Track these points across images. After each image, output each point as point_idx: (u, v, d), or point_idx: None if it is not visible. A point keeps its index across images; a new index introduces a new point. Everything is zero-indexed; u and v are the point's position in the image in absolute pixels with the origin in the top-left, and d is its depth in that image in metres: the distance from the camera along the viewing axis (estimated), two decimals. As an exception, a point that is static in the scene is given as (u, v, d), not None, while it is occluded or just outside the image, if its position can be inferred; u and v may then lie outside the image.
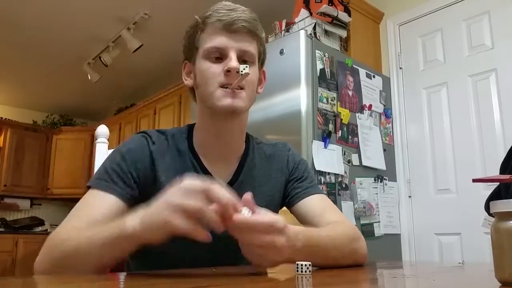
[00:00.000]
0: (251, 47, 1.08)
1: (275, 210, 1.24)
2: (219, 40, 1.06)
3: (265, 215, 0.80)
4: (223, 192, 0.78)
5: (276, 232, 0.78)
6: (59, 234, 0.95)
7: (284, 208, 1.26)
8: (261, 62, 1.19)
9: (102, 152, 1.50)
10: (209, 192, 0.76)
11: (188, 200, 0.75)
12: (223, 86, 1.05)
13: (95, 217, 0.96)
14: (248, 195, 0.81)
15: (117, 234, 0.83)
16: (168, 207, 0.77)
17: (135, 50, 4.41)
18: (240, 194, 1.15)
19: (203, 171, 1.12)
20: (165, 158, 1.11)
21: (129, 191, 1.04)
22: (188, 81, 1.16)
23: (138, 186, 1.07)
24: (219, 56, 1.06)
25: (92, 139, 6.12)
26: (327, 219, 1.10)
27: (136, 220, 0.82)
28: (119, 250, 0.86)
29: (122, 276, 1.06)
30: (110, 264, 0.90)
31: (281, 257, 0.80)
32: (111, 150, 1.14)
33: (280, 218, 0.81)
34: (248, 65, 1.01)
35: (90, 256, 0.86)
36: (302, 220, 1.17)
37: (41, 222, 6.37)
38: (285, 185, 1.23)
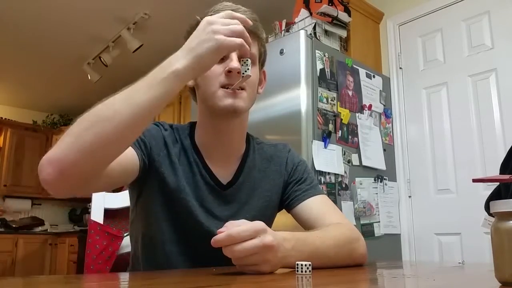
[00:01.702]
0: (252, 48, 1.08)
1: (273, 211, 1.24)
2: None
3: (242, 223, 0.80)
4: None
5: (258, 233, 0.78)
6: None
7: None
8: (262, 62, 1.19)
9: (102, 152, 1.50)
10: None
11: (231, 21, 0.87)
12: (224, 86, 1.05)
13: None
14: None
15: (167, 73, 0.85)
16: (214, 29, 0.85)
17: (135, 50, 4.40)
18: (239, 194, 1.16)
19: (205, 169, 1.13)
20: (174, 148, 1.13)
21: (142, 154, 1.05)
22: (188, 82, 1.17)
23: (149, 157, 1.08)
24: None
25: (92, 139, 6.11)
26: (326, 221, 1.10)
27: (179, 56, 0.87)
28: (168, 91, 0.86)
29: (122, 276, 1.06)
30: (155, 111, 0.87)
31: (275, 260, 0.80)
32: None
33: (258, 222, 0.80)
34: (249, 68, 1.01)
35: (133, 106, 0.83)
36: (302, 222, 1.17)
37: (41, 222, 6.37)
38: (284, 187, 1.23)
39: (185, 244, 1.10)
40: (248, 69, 0.99)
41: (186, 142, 1.15)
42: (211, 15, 1.08)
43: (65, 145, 0.83)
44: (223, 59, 1.07)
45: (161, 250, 1.11)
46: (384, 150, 3.06)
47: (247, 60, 1.00)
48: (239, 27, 0.88)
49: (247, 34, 0.89)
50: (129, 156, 1.00)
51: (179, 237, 1.10)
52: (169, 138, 1.13)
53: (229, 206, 1.14)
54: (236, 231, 0.77)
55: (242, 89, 1.06)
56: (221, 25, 0.86)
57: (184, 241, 1.10)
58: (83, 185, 0.88)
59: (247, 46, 0.89)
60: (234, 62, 1.03)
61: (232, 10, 1.08)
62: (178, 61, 0.86)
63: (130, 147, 1.01)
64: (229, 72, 1.04)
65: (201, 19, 1.10)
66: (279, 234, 0.83)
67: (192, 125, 1.20)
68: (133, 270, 1.20)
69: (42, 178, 0.83)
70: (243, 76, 0.99)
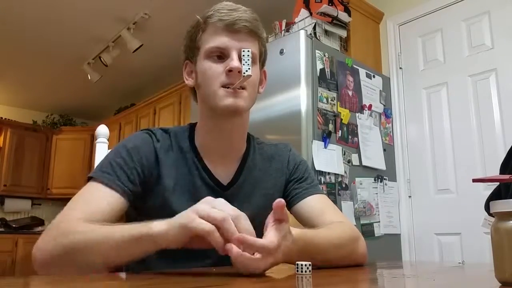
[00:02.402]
0: (253, 47, 1.07)
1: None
2: (221, 40, 1.06)
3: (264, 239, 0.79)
4: (248, 226, 0.81)
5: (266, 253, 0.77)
6: (67, 222, 0.92)
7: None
8: (262, 62, 1.19)
9: (102, 152, 1.50)
10: (236, 219, 0.80)
11: (214, 210, 0.79)
12: (224, 86, 1.05)
13: (97, 213, 0.96)
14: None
15: (143, 232, 0.83)
16: (194, 211, 0.79)
17: (135, 50, 4.41)
18: (240, 194, 1.15)
19: (205, 171, 1.12)
20: (168, 156, 1.11)
21: (131, 187, 1.04)
22: (189, 81, 1.17)
23: (141, 183, 1.07)
24: (221, 56, 1.07)
25: (92, 139, 6.13)
26: (326, 219, 1.10)
27: (162, 223, 0.83)
28: (139, 250, 0.85)
29: (122, 276, 1.06)
30: (121, 263, 0.90)
31: (275, 264, 0.80)
32: (109, 151, 1.13)
33: (273, 241, 0.78)
34: (250, 67, 1.00)
35: (104, 252, 0.86)
36: (302, 220, 1.17)
37: (41, 222, 6.37)
38: (285, 185, 1.23)
39: (185, 253, 1.09)
40: (249, 68, 0.99)
41: (184, 145, 1.14)
42: (211, 15, 1.08)
43: (46, 254, 0.89)
44: (224, 58, 1.07)
45: (162, 251, 1.10)
46: (384, 150, 3.06)
47: (248, 55, 1.00)
48: (218, 214, 0.79)
49: (226, 224, 0.78)
50: (115, 204, 1.01)
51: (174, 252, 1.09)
52: (162, 149, 1.11)
53: None
54: (261, 245, 0.76)
55: (243, 88, 1.06)
56: (205, 211, 0.80)
57: (184, 251, 1.09)
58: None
59: (214, 235, 0.78)
60: (234, 61, 1.03)
61: (233, 9, 1.08)
62: (158, 226, 0.83)
63: (114, 192, 1.01)
64: (229, 71, 1.03)
65: (201, 19, 1.10)
66: (288, 239, 0.83)
67: (192, 126, 1.19)
68: (132, 270, 1.20)
69: (36, 267, 0.91)
70: (244, 76, 0.99)
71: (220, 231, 0.77)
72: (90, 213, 0.94)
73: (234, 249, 0.75)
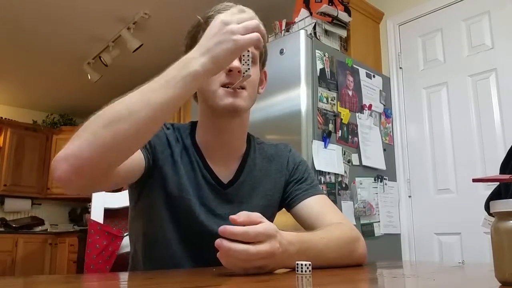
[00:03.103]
0: (253, 47, 1.08)
1: (274, 210, 1.24)
2: None
3: (255, 217, 0.79)
4: None
5: (270, 238, 0.78)
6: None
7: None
8: (263, 62, 1.19)
9: (102, 152, 1.50)
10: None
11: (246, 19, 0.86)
12: (224, 85, 1.05)
13: None
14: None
15: (184, 74, 0.84)
16: (230, 30, 0.84)
17: (135, 50, 4.40)
18: (240, 193, 1.16)
19: (206, 169, 1.13)
20: (176, 147, 1.13)
21: (147, 154, 1.05)
22: None
23: (153, 156, 1.08)
24: None
25: (92, 139, 6.12)
26: (326, 220, 1.10)
27: (197, 56, 0.85)
28: (186, 92, 0.86)
29: (122, 276, 1.06)
30: (172, 110, 0.88)
31: (274, 264, 0.80)
32: None
33: (270, 225, 0.80)
34: (250, 67, 1.00)
35: (149, 106, 0.84)
36: (302, 221, 1.17)
37: (41, 222, 6.37)
38: (285, 186, 1.23)
39: (187, 243, 1.10)
40: (248, 68, 0.99)
41: (187, 141, 1.15)
42: (211, 15, 1.08)
43: (81, 142, 0.83)
44: None
45: (163, 250, 1.11)
46: (384, 150, 3.06)
47: (248, 55, 1.00)
48: (253, 22, 0.87)
49: (262, 28, 0.89)
50: (136, 156, 1.01)
51: (181, 236, 1.10)
52: (171, 137, 1.13)
53: (230, 205, 1.14)
54: (254, 232, 0.76)
55: (243, 88, 1.06)
56: (237, 23, 0.86)
57: (185, 240, 1.10)
58: (96, 183, 0.90)
59: (262, 40, 0.88)
60: (235, 61, 1.03)
61: None
62: (196, 62, 0.85)
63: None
64: (229, 71, 1.04)
65: (202, 19, 1.10)
66: (285, 238, 0.83)
67: (193, 124, 1.20)
68: (133, 269, 1.20)
69: (57, 175, 0.83)
70: (243, 76, 0.99)
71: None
72: None
73: (223, 243, 0.74)
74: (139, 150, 1.01)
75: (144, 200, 1.13)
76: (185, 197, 1.09)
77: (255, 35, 0.86)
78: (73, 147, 0.83)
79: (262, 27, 0.88)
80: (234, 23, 0.85)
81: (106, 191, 1.45)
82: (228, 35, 0.84)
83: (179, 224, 1.10)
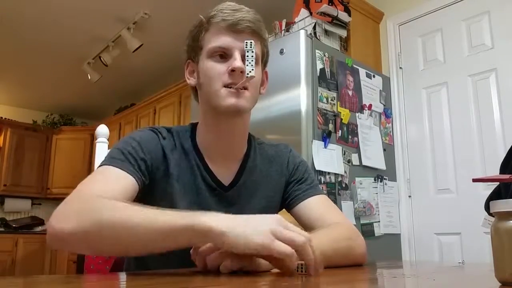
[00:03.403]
0: (256, 48, 1.07)
1: (275, 211, 1.24)
2: (224, 40, 1.06)
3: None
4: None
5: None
6: (89, 198, 0.88)
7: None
8: (264, 63, 1.19)
9: (102, 152, 1.51)
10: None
11: (293, 233, 0.77)
12: (227, 85, 1.05)
13: (113, 192, 0.93)
14: None
15: (189, 225, 0.77)
16: (272, 232, 0.75)
17: (135, 50, 4.41)
18: (241, 195, 1.16)
19: (206, 171, 1.12)
20: (173, 155, 1.12)
21: (142, 177, 1.04)
22: (191, 81, 1.17)
23: (149, 174, 1.07)
24: (223, 56, 1.07)
25: (92, 138, 6.13)
26: (326, 221, 1.10)
27: (220, 222, 0.77)
28: (182, 243, 0.80)
29: (122, 276, 1.06)
30: (154, 251, 0.85)
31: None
32: (115, 143, 1.13)
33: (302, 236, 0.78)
34: (254, 68, 1.00)
35: (143, 236, 0.80)
36: (302, 222, 1.17)
37: (41, 222, 6.37)
38: (285, 186, 1.23)
39: (182, 251, 1.09)
40: (252, 69, 0.99)
41: (186, 145, 1.14)
42: (214, 14, 1.08)
43: (70, 229, 0.84)
44: (226, 58, 1.07)
45: (154, 260, 1.11)
46: (384, 150, 3.06)
47: (252, 56, 0.99)
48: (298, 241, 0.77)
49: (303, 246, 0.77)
50: (130, 187, 1.00)
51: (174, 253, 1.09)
52: (167, 147, 1.11)
53: (231, 207, 1.14)
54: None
55: (245, 88, 1.06)
56: (283, 239, 0.76)
57: (184, 252, 1.08)
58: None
59: (292, 262, 0.77)
60: (237, 61, 1.03)
61: (236, 10, 1.08)
62: (218, 224, 0.77)
63: (128, 175, 1.00)
64: (232, 71, 1.04)
65: (204, 19, 1.10)
66: None
67: (194, 126, 1.19)
68: (129, 268, 1.20)
69: (47, 240, 0.87)
70: (247, 77, 0.99)
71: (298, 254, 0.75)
72: (106, 192, 0.91)
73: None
74: (132, 181, 1.00)
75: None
76: (184, 203, 1.08)
77: (289, 249, 0.75)
78: (61, 219, 0.86)
79: (307, 247, 0.77)
80: (281, 237, 0.76)
81: None
82: (267, 231, 0.76)
83: None
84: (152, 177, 1.07)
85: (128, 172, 1.00)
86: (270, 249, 0.74)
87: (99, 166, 1.03)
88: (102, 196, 0.88)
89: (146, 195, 1.08)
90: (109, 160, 1.01)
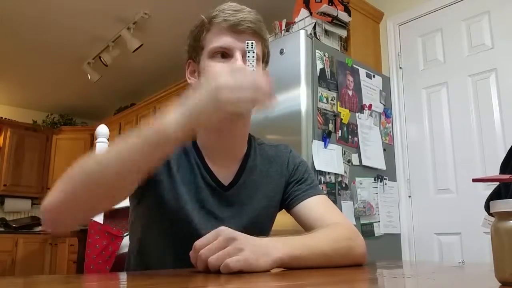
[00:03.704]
0: (257, 48, 1.07)
1: (275, 211, 1.24)
2: (225, 40, 1.06)
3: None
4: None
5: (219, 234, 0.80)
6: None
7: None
8: (265, 63, 1.19)
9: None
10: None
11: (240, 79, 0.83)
12: None
13: None
14: None
15: (157, 133, 0.83)
16: (219, 86, 0.81)
17: (135, 50, 4.41)
18: (241, 195, 1.16)
19: (206, 171, 1.12)
20: (175, 152, 1.11)
21: None
22: (192, 80, 1.17)
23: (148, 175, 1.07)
24: (225, 56, 1.07)
25: (92, 138, 6.13)
26: (326, 221, 1.10)
27: (176, 115, 0.83)
28: (158, 153, 0.85)
29: (122, 276, 1.06)
30: (141, 173, 0.88)
31: (252, 248, 0.80)
32: None
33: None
34: (254, 69, 1.00)
35: (122, 164, 0.84)
36: (302, 222, 1.17)
37: (41, 222, 6.36)
38: (285, 187, 1.23)
39: (182, 252, 1.10)
40: (253, 70, 0.99)
41: (187, 144, 1.14)
42: (215, 15, 1.08)
43: (55, 198, 0.87)
44: (227, 58, 1.07)
45: (155, 258, 1.11)
46: (384, 150, 3.06)
47: (253, 57, 0.99)
48: (248, 83, 0.83)
49: (263, 87, 0.85)
50: None
51: (175, 246, 1.09)
52: None
53: (231, 207, 1.14)
54: (199, 241, 0.81)
55: None
56: (230, 92, 0.82)
57: (181, 249, 1.09)
58: (80, 223, 0.92)
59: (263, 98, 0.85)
60: (238, 61, 1.03)
61: (237, 10, 1.08)
62: (174, 128, 0.83)
63: None
64: None
65: (206, 19, 1.10)
66: (270, 243, 0.86)
67: None
68: (128, 268, 1.20)
69: (42, 223, 0.90)
70: None
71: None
72: None
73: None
74: None
75: (142, 208, 1.13)
76: (182, 207, 1.08)
77: (241, 108, 0.83)
78: (50, 201, 0.88)
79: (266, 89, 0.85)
80: (228, 88, 0.82)
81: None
82: (212, 95, 0.82)
83: (175, 234, 1.09)
84: (151, 174, 1.08)
85: None
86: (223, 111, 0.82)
87: None
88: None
89: (147, 188, 1.08)
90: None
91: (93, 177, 0.85)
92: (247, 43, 1.00)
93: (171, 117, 0.83)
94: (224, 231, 0.81)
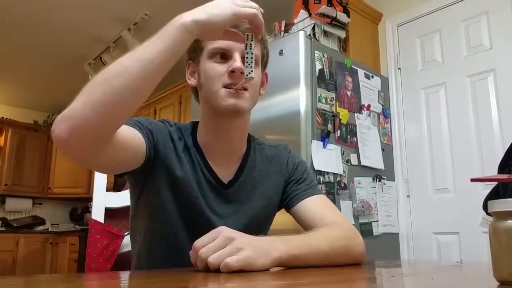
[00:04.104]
0: (255, 49, 1.08)
1: (274, 210, 1.25)
2: (224, 41, 1.07)
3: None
4: None
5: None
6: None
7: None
8: (264, 64, 1.20)
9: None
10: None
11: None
12: (226, 86, 1.06)
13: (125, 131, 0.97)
14: None
15: (175, 25, 0.89)
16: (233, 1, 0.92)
17: (135, 50, 4.40)
18: (240, 193, 1.17)
19: (207, 168, 1.13)
20: (179, 143, 1.14)
21: (149, 145, 1.06)
22: (191, 81, 1.18)
23: (155, 150, 1.08)
24: (224, 56, 1.08)
25: (92, 139, 6.12)
26: (325, 220, 1.11)
27: (192, 11, 0.91)
28: (176, 44, 0.89)
29: (123, 275, 1.07)
30: (164, 65, 0.90)
31: (250, 248, 0.81)
32: None
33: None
34: (253, 69, 1.01)
35: (144, 66, 0.86)
36: (301, 221, 1.17)
37: (42, 222, 6.37)
38: (284, 186, 1.24)
39: (193, 235, 1.11)
40: (251, 70, 1.00)
41: (188, 140, 1.16)
42: None
43: (78, 102, 0.85)
44: (227, 59, 1.08)
45: (171, 242, 1.11)
46: (383, 150, 3.06)
47: (251, 57, 1.00)
48: (255, 5, 0.95)
49: (260, 16, 0.97)
50: (138, 140, 1.02)
51: (188, 228, 1.11)
52: (174, 134, 1.14)
53: (230, 205, 1.15)
54: (198, 241, 0.82)
55: (245, 89, 1.07)
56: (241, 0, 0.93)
57: (192, 232, 1.09)
58: (94, 147, 0.87)
59: (261, 18, 0.96)
60: (237, 62, 1.04)
61: None
62: (190, 15, 0.90)
63: (138, 133, 1.02)
64: (232, 72, 1.04)
65: None
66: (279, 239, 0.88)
67: (194, 124, 1.20)
68: (139, 267, 1.20)
69: (55, 136, 0.85)
70: (246, 78, 1.00)
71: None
72: None
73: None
74: (141, 137, 1.03)
75: (147, 194, 1.13)
76: (190, 189, 1.10)
77: (253, 11, 0.93)
78: (71, 107, 0.86)
79: (261, 17, 0.97)
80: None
81: (106, 170, 1.37)
82: (229, 3, 0.91)
83: (186, 216, 1.10)
84: (158, 150, 1.09)
85: (138, 130, 1.04)
86: (238, 13, 0.91)
87: None
88: None
89: (155, 167, 1.09)
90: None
91: (117, 78, 0.84)
92: (247, 35, 1.01)
93: (187, 12, 0.91)
94: (224, 230, 0.82)
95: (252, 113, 1.19)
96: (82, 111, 0.83)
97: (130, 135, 0.99)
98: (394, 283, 0.76)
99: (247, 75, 0.99)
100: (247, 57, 0.99)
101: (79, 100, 0.85)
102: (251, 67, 0.99)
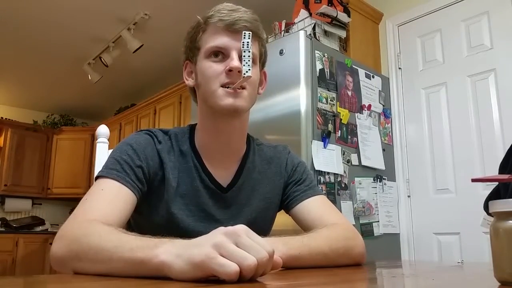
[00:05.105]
0: (253, 48, 1.07)
1: (274, 212, 1.24)
2: (221, 40, 1.06)
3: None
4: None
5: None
6: (80, 227, 0.86)
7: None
8: (262, 63, 1.19)
9: (102, 152, 1.51)
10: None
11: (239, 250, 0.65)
12: (224, 85, 1.05)
13: (113, 211, 0.93)
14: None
15: (147, 258, 0.70)
16: (215, 246, 0.64)
17: (135, 51, 4.41)
18: (240, 197, 1.16)
19: (205, 172, 1.12)
20: (170, 159, 1.11)
21: (139, 186, 1.04)
22: (189, 81, 1.17)
23: (147, 182, 1.07)
24: (221, 56, 1.07)
25: (93, 139, 6.13)
26: (325, 221, 1.10)
27: (172, 250, 0.69)
28: (140, 272, 0.73)
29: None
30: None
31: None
32: (112, 150, 1.12)
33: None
34: (251, 67, 1.00)
35: (111, 262, 0.77)
36: (301, 222, 1.17)
37: (41, 222, 6.37)
38: (284, 188, 1.23)
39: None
40: (249, 69, 0.99)
41: (185, 146, 1.14)
42: (211, 15, 1.09)
43: (60, 254, 0.85)
44: (224, 58, 1.07)
45: None
46: (383, 150, 3.06)
47: (249, 56, 0.99)
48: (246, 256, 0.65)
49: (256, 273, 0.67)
50: (129, 202, 1.00)
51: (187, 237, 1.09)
52: (164, 151, 1.11)
53: (230, 209, 1.14)
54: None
55: (243, 88, 1.06)
56: (229, 256, 0.64)
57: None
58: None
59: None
60: (234, 61, 1.03)
61: (233, 10, 1.08)
62: (168, 261, 0.68)
63: (125, 188, 0.99)
64: (229, 71, 1.04)
65: (202, 19, 1.11)
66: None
67: (192, 128, 1.19)
68: None
69: (51, 253, 0.88)
70: (244, 76, 0.99)
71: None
72: (102, 214, 0.90)
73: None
74: (130, 194, 1.00)
75: (144, 208, 1.11)
76: (189, 199, 1.09)
77: (233, 268, 0.62)
78: (55, 251, 0.86)
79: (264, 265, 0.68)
80: (227, 255, 0.64)
81: None
82: (213, 265, 0.63)
83: (184, 227, 1.09)
84: (150, 182, 1.08)
85: (125, 184, 1.00)
86: (208, 269, 0.62)
87: (97, 176, 1.03)
88: (95, 220, 0.87)
89: (145, 202, 1.08)
90: (106, 171, 1.01)
91: (99, 267, 0.80)
92: (244, 33, 1.00)
93: (166, 251, 0.69)
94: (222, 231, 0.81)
95: (252, 113, 1.18)
96: (67, 267, 0.85)
97: (121, 205, 0.97)
98: (395, 284, 0.76)
99: (244, 74, 0.98)
100: (244, 56, 0.99)
101: (66, 245, 0.85)
102: (248, 65, 0.98)
